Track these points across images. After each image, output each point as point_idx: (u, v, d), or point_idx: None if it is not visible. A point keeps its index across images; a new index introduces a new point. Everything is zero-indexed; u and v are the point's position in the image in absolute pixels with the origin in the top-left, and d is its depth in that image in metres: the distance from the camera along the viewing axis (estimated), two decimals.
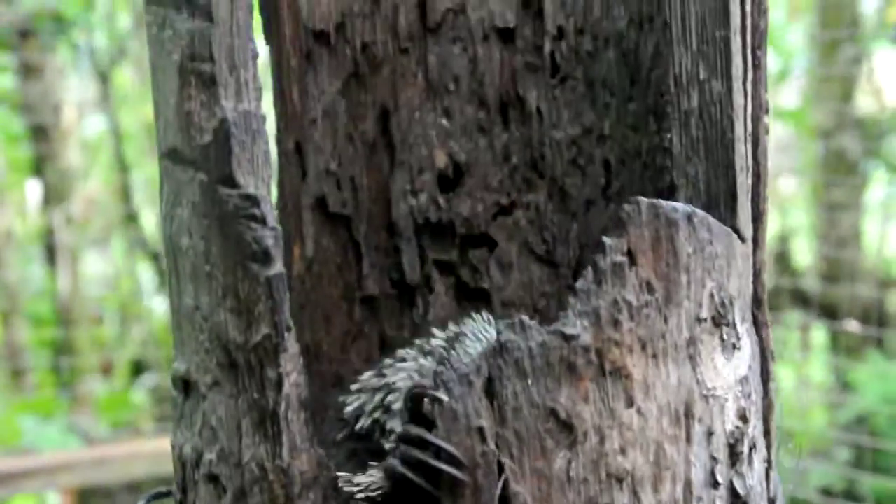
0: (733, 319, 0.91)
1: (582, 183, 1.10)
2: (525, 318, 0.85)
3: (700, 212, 0.89)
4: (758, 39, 0.97)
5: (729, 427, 0.91)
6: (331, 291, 1.12)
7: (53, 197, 4.71)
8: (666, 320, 0.87)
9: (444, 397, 0.84)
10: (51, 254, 4.82)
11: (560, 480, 0.84)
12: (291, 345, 0.87)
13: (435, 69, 1.12)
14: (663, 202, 0.88)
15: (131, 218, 5.24)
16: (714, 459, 0.90)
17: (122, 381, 5.22)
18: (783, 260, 5.32)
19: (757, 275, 0.97)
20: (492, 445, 0.84)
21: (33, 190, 5.05)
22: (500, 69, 1.12)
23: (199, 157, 0.88)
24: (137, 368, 5.25)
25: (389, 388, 0.97)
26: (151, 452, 3.08)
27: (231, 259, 0.87)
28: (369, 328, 1.13)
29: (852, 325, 4.32)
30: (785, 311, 4.68)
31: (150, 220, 5.43)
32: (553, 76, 1.09)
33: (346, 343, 1.13)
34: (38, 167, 4.80)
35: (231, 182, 0.86)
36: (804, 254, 5.90)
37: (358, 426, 0.98)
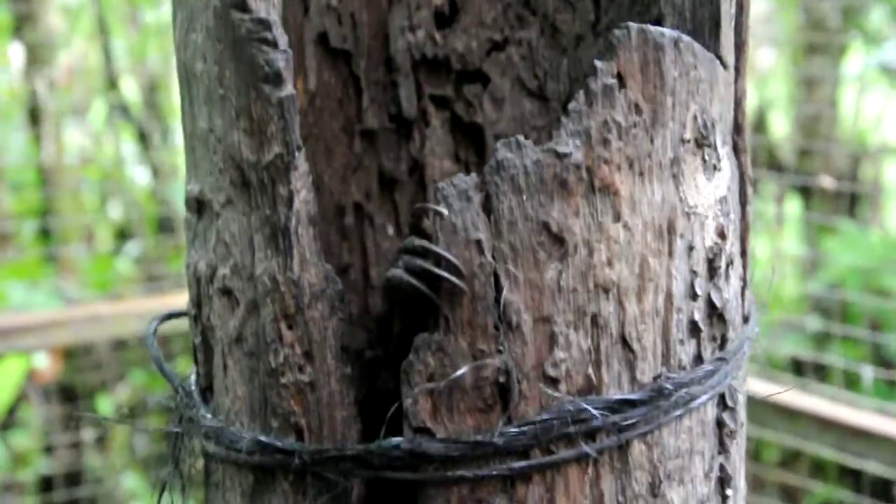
0: (714, 141, 0.97)
1: (572, 19, 1.15)
2: (520, 137, 0.91)
3: (686, 37, 0.95)
4: None
5: (708, 243, 0.97)
6: (332, 125, 1.18)
7: (35, 61, 4.72)
8: (652, 140, 0.93)
9: (444, 211, 0.90)
10: (34, 119, 4.85)
11: (551, 290, 0.91)
12: (301, 163, 0.93)
13: None
14: (651, 27, 0.93)
15: (112, 84, 5.25)
16: (694, 273, 0.96)
17: (107, 249, 5.26)
18: (760, 130, 5.37)
19: (738, 102, 1.03)
20: (489, 257, 0.90)
21: (16, 55, 5.05)
22: None
23: None
24: (121, 236, 5.29)
25: None
26: (143, 311, 3.14)
27: (244, 81, 0.93)
28: (368, 161, 1.19)
29: (827, 181, 4.39)
30: (761, 180, 4.74)
31: (131, 89, 5.44)
32: None
33: (346, 175, 1.18)
34: (19, 29, 4.80)
35: (243, 6, 0.91)
36: (781, 125, 5.95)
37: None
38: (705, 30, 0.99)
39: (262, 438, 0.95)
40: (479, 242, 0.90)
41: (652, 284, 0.94)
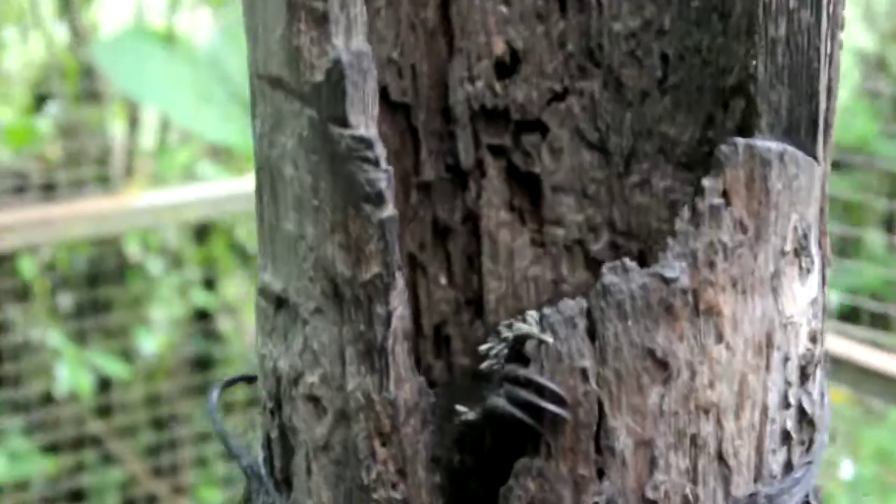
0: (810, 245, 0.95)
1: (638, 74, 1.11)
2: (626, 260, 0.88)
3: (790, 148, 0.92)
4: None
5: (801, 350, 0.96)
6: None
7: None
8: (755, 257, 0.91)
9: (550, 339, 0.88)
10: None
11: (654, 414, 0.89)
12: (400, 282, 0.90)
13: None
14: (759, 143, 0.90)
15: None
16: (788, 383, 0.95)
17: (25, 109, 5.13)
18: None
19: (822, 189, 1.01)
20: (593, 385, 0.88)
21: None
22: None
23: (310, 93, 0.89)
24: (40, 98, 5.15)
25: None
26: (95, 214, 3.08)
27: (342, 197, 0.89)
28: (423, 211, 1.15)
29: None
30: None
31: None
32: None
33: (402, 226, 1.15)
34: None
35: (343, 122, 0.87)
36: None
37: (483, 365, 1.01)
38: (801, 129, 0.96)
39: None
40: (584, 371, 0.88)
41: (749, 401, 0.93)
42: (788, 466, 0.97)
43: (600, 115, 1.13)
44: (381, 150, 0.87)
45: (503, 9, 1.12)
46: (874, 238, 4.66)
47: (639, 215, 1.12)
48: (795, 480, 0.97)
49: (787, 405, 0.96)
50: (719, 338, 0.90)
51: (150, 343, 4.59)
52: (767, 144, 0.90)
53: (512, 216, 1.16)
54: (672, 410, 0.90)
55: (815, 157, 0.96)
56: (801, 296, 0.96)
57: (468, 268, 1.17)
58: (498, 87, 1.13)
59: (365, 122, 0.88)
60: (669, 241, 0.89)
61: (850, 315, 3.42)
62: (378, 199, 0.88)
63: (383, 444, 0.92)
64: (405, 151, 1.14)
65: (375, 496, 0.93)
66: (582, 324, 0.88)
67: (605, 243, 1.12)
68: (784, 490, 0.96)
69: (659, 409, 0.89)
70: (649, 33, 1.10)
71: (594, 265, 1.11)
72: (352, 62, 0.87)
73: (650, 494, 0.90)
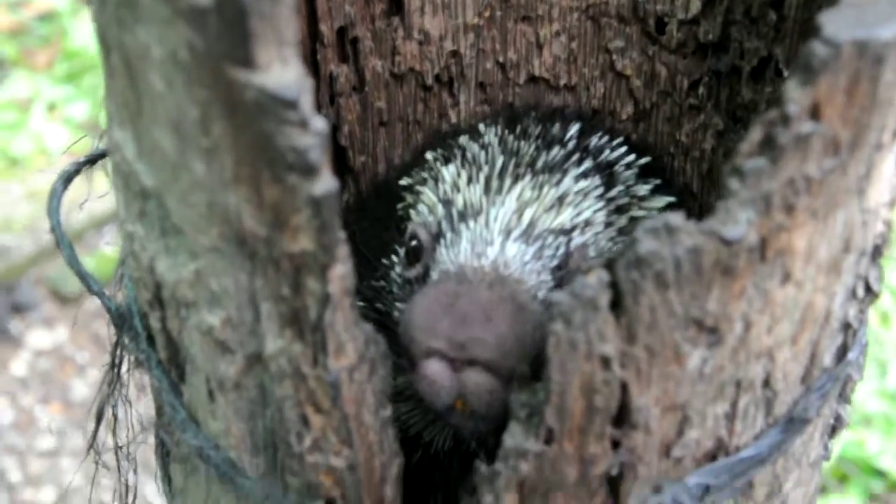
0: None
1: None
2: (676, 218, 0.64)
3: None
4: None
5: (880, 229, 0.76)
6: None
7: None
8: (846, 173, 0.67)
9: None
10: None
11: (691, 378, 0.70)
12: (342, 251, 0.65)
13: None
14: (875, 36, 0.63)
15: None
16: (858, 276, 0.75)
17: None
18: None
19: None
20: (616, 370, 0.68)
21: None
22: None
23: (188, 14, 0.58)
24: None
25: None
26: None
27: (251, 155, 0.62)
28: None
29: None
30: None
31: None
32: None
33: None
34: None
35: (247, 61, 0.58)
36: None
37: None
38: None
39: None
40: (605, 358, 0.67)
41: (812, 322, 0.73)
42: (842, 350, 0.79)
43: None
44: (306, 104, 0.59)
45: None
46: None
47: None
48: (846, 363, 0.79)
49: (853, 295, 0.76)
50: (786, 277, 0.69)
51: None
52: (885, 38, 0.63)
53: None
54: (717, 367, 0.70)
55: None
56: (889, 167, 0.73)
57: None
58: None
59: (280, 56, 0.58)
60: (734, 183, 0.64)
61: None
62: (308, 171, 0.61)
63: (318, 412, 0.72)
64: None
65: (311, 460, 0.74)
66: (605, 300, 0.66)
67: None
68: (828, 382, 0.78)
69: (699, 372, 0.70)
70: None
71: None
72: None
73: (676, 453, 0.73)
